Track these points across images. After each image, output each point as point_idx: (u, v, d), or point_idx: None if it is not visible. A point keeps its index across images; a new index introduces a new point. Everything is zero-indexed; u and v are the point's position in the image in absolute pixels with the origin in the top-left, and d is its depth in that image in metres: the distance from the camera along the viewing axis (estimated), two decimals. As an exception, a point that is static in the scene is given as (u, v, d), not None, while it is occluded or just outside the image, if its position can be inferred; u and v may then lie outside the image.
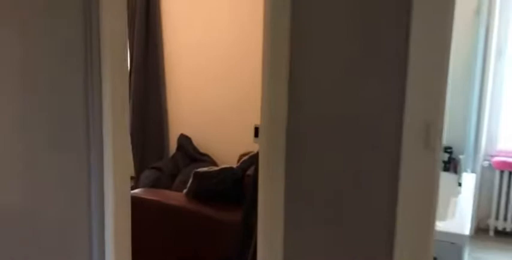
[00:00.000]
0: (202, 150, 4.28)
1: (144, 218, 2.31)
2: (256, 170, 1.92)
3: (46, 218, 1.78)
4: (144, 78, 4.41)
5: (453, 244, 1.86)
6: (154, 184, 4.00)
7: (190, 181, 2.27)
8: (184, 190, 2.34)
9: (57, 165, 1.73)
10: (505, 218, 3.69)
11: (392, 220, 1.44)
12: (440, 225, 1.88)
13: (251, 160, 2.30)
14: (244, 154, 3.31)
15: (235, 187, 2.22)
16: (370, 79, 1.45)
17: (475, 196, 3.15)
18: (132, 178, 4.66)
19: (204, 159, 4.22)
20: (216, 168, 2.28)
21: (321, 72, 1.51)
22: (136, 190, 2.44)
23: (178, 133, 4.35)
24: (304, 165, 1.57)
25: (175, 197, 2.35)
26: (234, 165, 2.67)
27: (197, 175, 2.23)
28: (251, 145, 3.60)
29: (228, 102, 4.11)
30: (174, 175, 4.10)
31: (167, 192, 2.52)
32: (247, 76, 3.99)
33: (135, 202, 2.33)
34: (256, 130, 1.68)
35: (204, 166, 4.09)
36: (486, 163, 3.71)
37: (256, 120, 3.69)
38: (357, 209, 1.50)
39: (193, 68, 4.27)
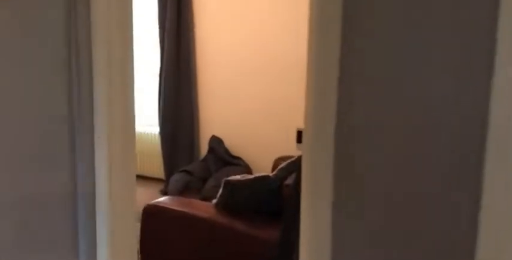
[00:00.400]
0: (234, 153, 4.04)
1: (170, 229, 2.09)
2: (297, 180, 1.66)
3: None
4: (175, 78, 4.21)
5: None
6: (184, 189, 3.79)
7: (220, 191, 2.02)
8: (214, 200, 2.09)
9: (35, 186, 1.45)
10: None
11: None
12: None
13: (289, 168, 2.03)
14: (280, 159, 3.05)
15: (271, 198, 1.95)
16: (440, 76, 1.15)
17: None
18: (162, 181, 4.52)
19: (237, 162, 3.98)
20: (249, 177, 2.02)
21: (377, 67, 1.23)
22: (163, 199, 2.22)
23: (210, 135, 4.13)
24: (357, 178, 1.29)
25: (204, 208, 2.11)
26: (270, 173, 2.40)
27: (228, 185, 1.98)
28: (287, 149, 3.34)
29: (263, 103, 3.85)
30: (205, 179, 3.88)
31: (195, 202, 2.28)
32: (282, 76, 3.72)
33: (162, 212, 2.10)
34: (299, 134, 1.39)
35: (236, 171, 3.88)
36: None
37: (293, 121, 3.42)
38: (425, 233, 1.21)
39: (227, 68, 4.04)
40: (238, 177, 2.01)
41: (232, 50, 3.98)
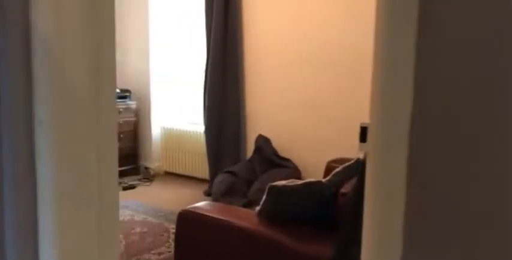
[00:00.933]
0: (282, 154, 3.75)
1: (206, 238, 1.83)
2: (358, 187, 1.34)
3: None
4: (221, 72, 3.98)
5: None
6: (228, 191, 3.55)
7: (264, 197, 1.74)
8: (257, 208, 1.81)
9: None
10: None
11: None
12: None
13: (346, 172, 1.71)
14: (334, 161, 2.72)
15: (324, 208, 1.64)
16: None
17: None
18: (206, 181, 4.32)
19: (285, 164, 3.68)
20: (298, 182, 1.73)
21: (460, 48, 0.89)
22: (201, 204, 1.97)
23: (257, 134, 3.87)
24: (439, 186, 0.95)
25: (245, 215, 1.84)
26: (321, 177, 2.09)
27: (273, 190, 1.69)
28: (341, 150, 3.01)
29: (315, 99, 3.54)
30: (250, 181, 3.62)
31: (235, 209, 2.02)
32: (336, 70, 3.39)
33: (197, 218, 1.86)
34: (364, 132, 1.07)
35: (284, 173, 3.59)
36: None
37: (350, 119, 3.06)
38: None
39: (276, 62, 3.75)
40: (284, 182, 1.72)
41: (282, 43, 3.69)
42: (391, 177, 0.99)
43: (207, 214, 1.84)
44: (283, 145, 3.78)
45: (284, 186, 1.69)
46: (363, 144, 1.16)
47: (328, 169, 2.44)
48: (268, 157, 3.75)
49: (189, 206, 1.91)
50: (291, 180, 1.75)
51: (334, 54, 3.40)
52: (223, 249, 1.80)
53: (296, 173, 3.55)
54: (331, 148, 3.22)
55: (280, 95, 3.76)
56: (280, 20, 3.69)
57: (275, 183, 1.70)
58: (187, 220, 1.87)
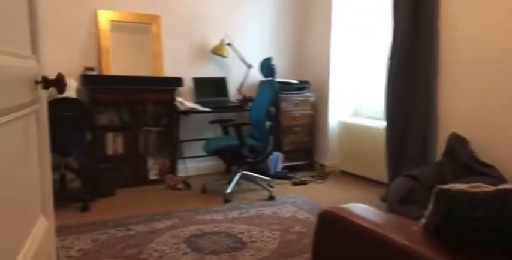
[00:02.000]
0: (483, 159, 2.94)
1: (347, 249, 1.40)
2: None
3: None
4: (408, 58, 3.38)
5: None
6: (406, 198, 2.96)
7: (430, 205, 1.22)
8: (423, 220, 1.30)
9: None
10: None
11: None
12: None
13: None
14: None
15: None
16: None
17: None
18: (385, 185, 3.76)
19: (486, 171, 2.87)
20: (487, 188, 1.15)
21: None
22: (348, 206, 1.54)
23: (450, 132, 3.14)
24: None
25: (405, 228, 1.34)
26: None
27: (444, 197, 1.16)
28: None
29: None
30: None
31: (393, 218, 1.51)
32: None
33: (339, 222, 1.44)
34: None
35: (484, 183, 2.79)
36: None
37: None
38: None
39: (477, 46, 2.98)
40: (464, 185, 1.17)
41: (485, 27, 2.90)
42: None
43: (352, 219, 1.40)
44: (483, 147, 2.98)
45: (462, 192, 1.13)
46: None
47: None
48: (464, 162, 3.00)
49: (331, 207, 1.51)
50: (475, 185, 1.18)
51: None
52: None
53: (500, 184, 2.72)
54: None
55: (481, 86, 2.96)
56: (485, 13, 2.91)
57: (447, 186, 1.16)
58: (326, 223, 1.47)
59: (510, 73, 2.79)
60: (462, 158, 3.02)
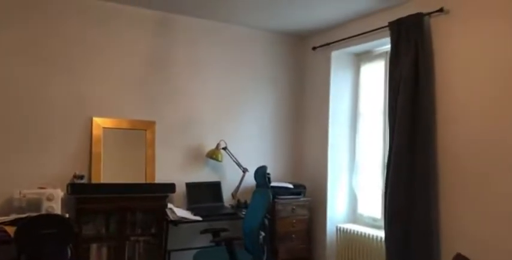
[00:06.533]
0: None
1: None
2: None
3: None
4: (407, 170, 3.31)
5: None
6: None
7: None
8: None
9: None
10: None
11: None
12: None
13: None
14: None
15: None
16: None
17: None
18: None
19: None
20: None
21: None
22: None
23: (454, 253, 2.95)
24: None
25: None
26: None
27: None
28: None
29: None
30: None
31: None
32: None
33: None
34: None
35: None
36: None
37: None
38: None
39: (481, 169, 2.93)
40: None
41: (489, 142, 2.87)
42: None
43: None
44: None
45: None
46: None
47: None
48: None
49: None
50: None
51: None
52: None
53: None
54: None
55: (486, 205, 2.85)
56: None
57: None
58: None
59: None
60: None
